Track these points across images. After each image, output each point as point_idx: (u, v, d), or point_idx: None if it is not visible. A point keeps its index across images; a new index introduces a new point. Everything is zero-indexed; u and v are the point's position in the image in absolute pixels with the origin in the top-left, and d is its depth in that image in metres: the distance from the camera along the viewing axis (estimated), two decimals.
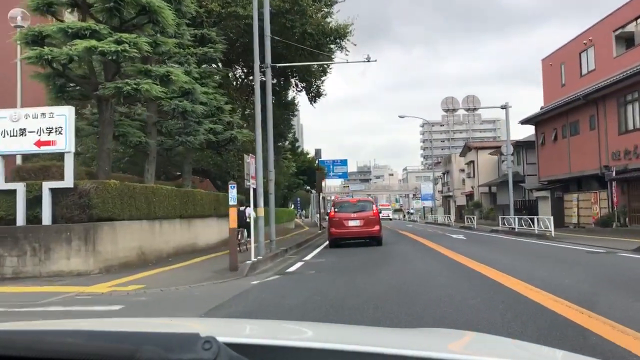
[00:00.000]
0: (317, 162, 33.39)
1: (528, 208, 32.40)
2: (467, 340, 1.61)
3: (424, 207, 76.15)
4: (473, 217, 31.84)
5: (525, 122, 31.09)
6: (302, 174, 43.07)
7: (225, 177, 24.23)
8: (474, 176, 46.20)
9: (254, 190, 12.12)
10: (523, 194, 36.99)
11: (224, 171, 22.58)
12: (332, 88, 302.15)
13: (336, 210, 17.24)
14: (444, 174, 58.27)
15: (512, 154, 38.52)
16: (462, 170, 53.02)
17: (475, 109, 23.40)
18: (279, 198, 32.96)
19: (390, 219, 68.46)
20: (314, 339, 1.37)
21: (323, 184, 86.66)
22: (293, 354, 1.03)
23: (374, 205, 17.51)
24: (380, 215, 45.18)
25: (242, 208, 14.29)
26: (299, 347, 1.08)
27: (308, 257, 13.65)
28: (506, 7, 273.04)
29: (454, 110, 23.45)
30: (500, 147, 42.39)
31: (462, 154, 50.69)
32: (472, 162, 46.22)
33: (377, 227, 16.22)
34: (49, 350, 0.94)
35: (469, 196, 48.91)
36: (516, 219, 22.79)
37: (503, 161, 25.29)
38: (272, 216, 14.91)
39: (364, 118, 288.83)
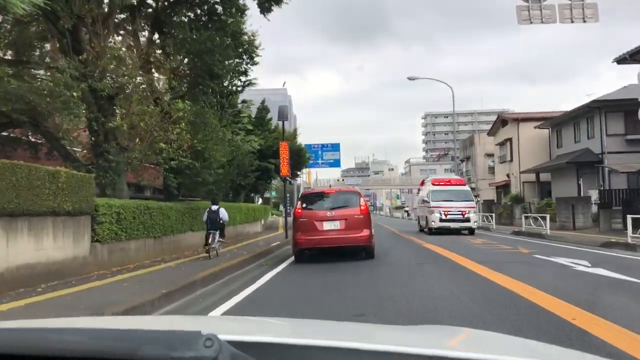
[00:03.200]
0: (282, 126, 20.82)
1: (626, 202, 19.99)
2: (466, 336, 1.60)
3: None
4: (544, 218, 19.28)
5: (625, 58, 18.53)
6: (275, 157, 30.58)
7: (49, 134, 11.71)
8: (511, 160, 33.74)
9: None
10: (599, 179, 24.64)
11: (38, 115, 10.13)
12: (328, 85, 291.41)
13: (305, 206, 11.53)
14: (463, 160, 45.77)
15: (575, 123, 26.07)
16: (490, 155, 40.63)
17: None
18: (217, 185, 20.60)
19: (472, 228, 21.11)
20: (314, 336, 1.30)
21: (314, 174, 74.29)
22: (294, 351, 1.02)
23: (361, 199, 11.63)
24: (446, 215, 20.05)
25: (213, 207, 11.99)
26: (300, 345, 1.05)
27: None
28: (504, 6, 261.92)
29: None
30: (551, 117, 30.04)
31: (492, 132, 38.19)
32: (509, 140, 33.73)
33: (366, 232, 10.91)
34: (51, 348, 0.93)
35: (503, 187, 36.47)
36: None
37: None
38: None
39: (362, 116, 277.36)
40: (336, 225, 10.89)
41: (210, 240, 11.50)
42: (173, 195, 15.96)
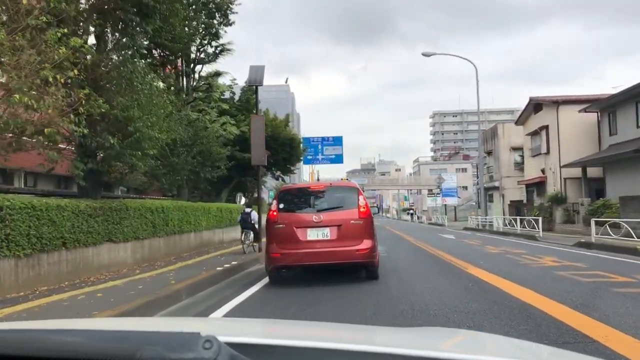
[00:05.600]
0: (255, 92, 15.18)
1: None
2: (462, 338, 1.57)
3: (445, 205, 58.76)
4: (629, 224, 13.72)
5: None
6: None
7: None
8: (547, 152, 28.08)
9: None
10: None
11: None
12: (332, 86, 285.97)
13: (283, 206, 8.55)
14: (486, 154, 40.06)
15: (638, 102, 20.04)
16: (516, 149, 35.01)
17: None
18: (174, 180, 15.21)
19: None
20: (313, 338, 1.31)
21: (316, 173, 68.29)
22: (293, 353, 1.01)
23: (360, 197, 8.47)
24: None
25: (247, 210, 13.81)
26: (298, 347, 1.05)
27: None
28: (507, 6, 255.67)
29: None
30: (599, 99, 24.43)
31: (521, 121, 32.52)
32: (545, 128, 28.06)
33: (366, 243, 8.05)
34: (50, 349, 0.92)
35: (535, 186, 30.80)
36: None
37: None
38: None
39: (366, 117, 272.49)
40: (325, 233, 8.13)
41: (243, 237, 13.30)
42: (83, 188, 10.51)
